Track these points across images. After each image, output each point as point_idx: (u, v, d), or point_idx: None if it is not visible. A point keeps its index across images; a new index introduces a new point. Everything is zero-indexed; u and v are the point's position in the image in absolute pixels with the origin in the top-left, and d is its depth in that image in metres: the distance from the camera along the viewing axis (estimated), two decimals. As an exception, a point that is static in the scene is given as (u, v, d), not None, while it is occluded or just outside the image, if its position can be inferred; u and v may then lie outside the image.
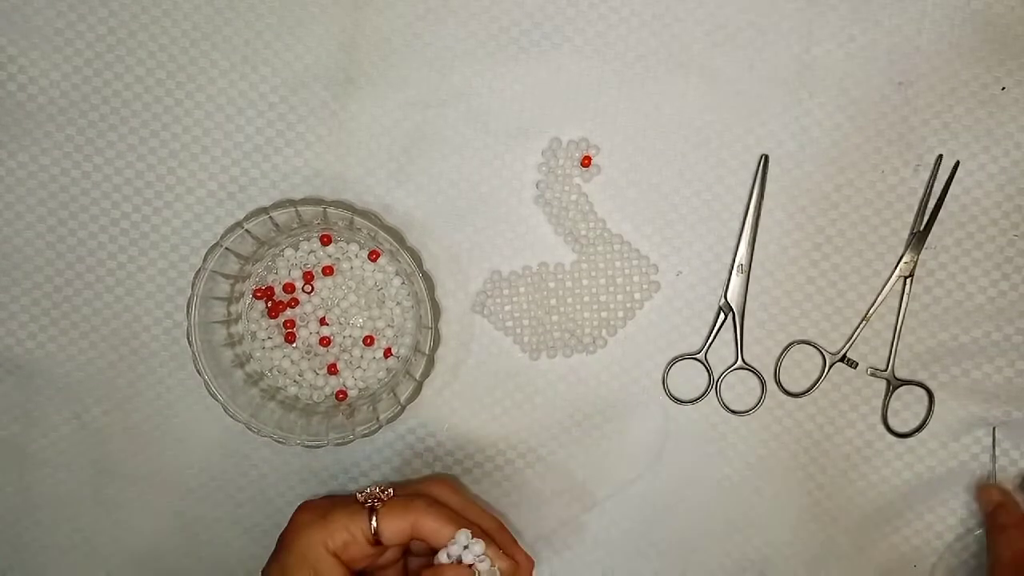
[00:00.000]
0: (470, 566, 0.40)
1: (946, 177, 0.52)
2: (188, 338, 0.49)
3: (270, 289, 0.52)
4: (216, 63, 0.52)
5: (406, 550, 0.45)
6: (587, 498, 0.53)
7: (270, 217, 0.49)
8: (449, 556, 0.40)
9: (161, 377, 0.53)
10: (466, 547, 0.40)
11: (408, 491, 0.44)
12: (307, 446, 0.49)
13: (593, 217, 0.52)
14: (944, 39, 0.51)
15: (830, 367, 0.52)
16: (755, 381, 0.53)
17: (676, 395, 0.53)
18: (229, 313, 0.51)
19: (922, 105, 0.52)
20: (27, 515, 0.54)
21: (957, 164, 0.51)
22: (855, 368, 0.52)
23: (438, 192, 0.53)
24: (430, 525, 0.41)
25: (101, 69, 0.52)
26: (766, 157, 0.52)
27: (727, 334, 0.52)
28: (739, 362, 0.52)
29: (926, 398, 0.52)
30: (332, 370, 0.52)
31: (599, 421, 0.53)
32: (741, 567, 0.53)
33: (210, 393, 0.49)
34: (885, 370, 0.52)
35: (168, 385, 0.53)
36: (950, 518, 0.52)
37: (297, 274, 0.52)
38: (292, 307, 0.52)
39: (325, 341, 0.52)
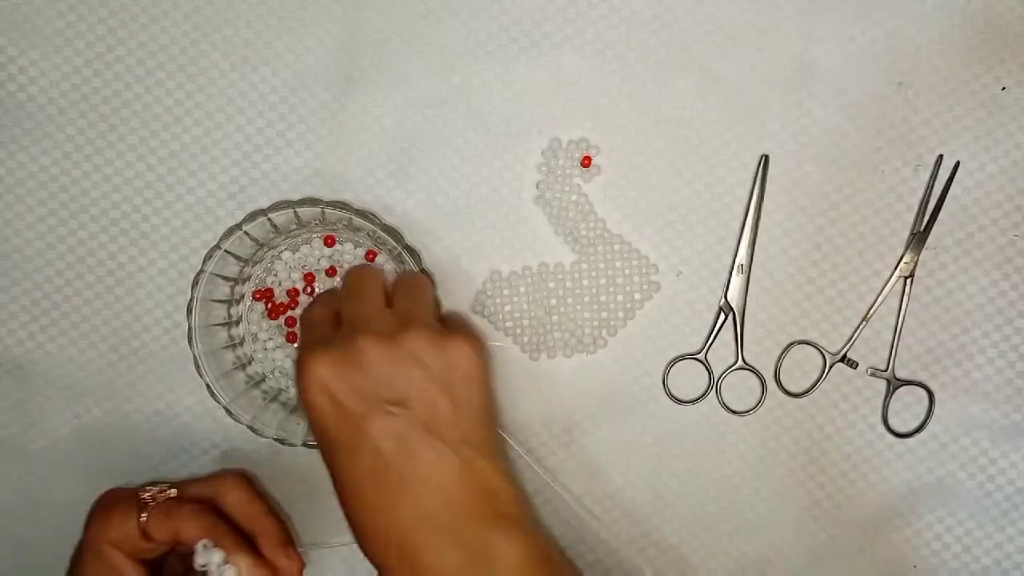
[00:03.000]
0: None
1: (946, 177, 0.52)
2: (189, 341, 0.49)
3: (269, 291, 0.52)
4: (216, 63, 0.52)
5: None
6: (586, 498, 0.53)
7: (268, 219, 0.49)
8: (197, 564, 0.43)
9: (161, 377, 0.53)
10: (206, 554, 0.43)
11: (191, 490, 0.46)
12: (309, 446, 0.49)
13: (593, 217, 0.52)
14: (944, 39, 0.51)
15: (830, 367, 0.52)
16: (755, 381, 0.53)
17: (676, 395, 0.53)
18: (229, 315, 0.51)
19: (922, 105, 0.52)
20: (27, 515, 0.54)
21: (957, 164, 0.51)
22: (855, 368, 0.52)
23: (438, 192, 0.53)
24: (189, 533, 0.44)
25: (101, 69, 0.52)
26: (766, 157, 0.52)
27: (727, 334, 0.52)
28: (739, 362, 0.52)
29: (926, 398, 0.52)
30: (332, 370, 0.52)
31: (599, 421, 0.53)
32: (741, 567, 0.53)
33: (212, 396, 0.49)
34: (885, 370, 0.52)
35: (168, 385, 0.53)
36: (950, 518, 0.53)
37: (297, 275, 0.52)
38: (292, 308, 0.52)
39: (325, 341, 0.52)
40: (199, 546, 0.43)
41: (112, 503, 0.45)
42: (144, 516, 0.44)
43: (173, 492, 0.45)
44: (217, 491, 0.47)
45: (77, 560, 0.44)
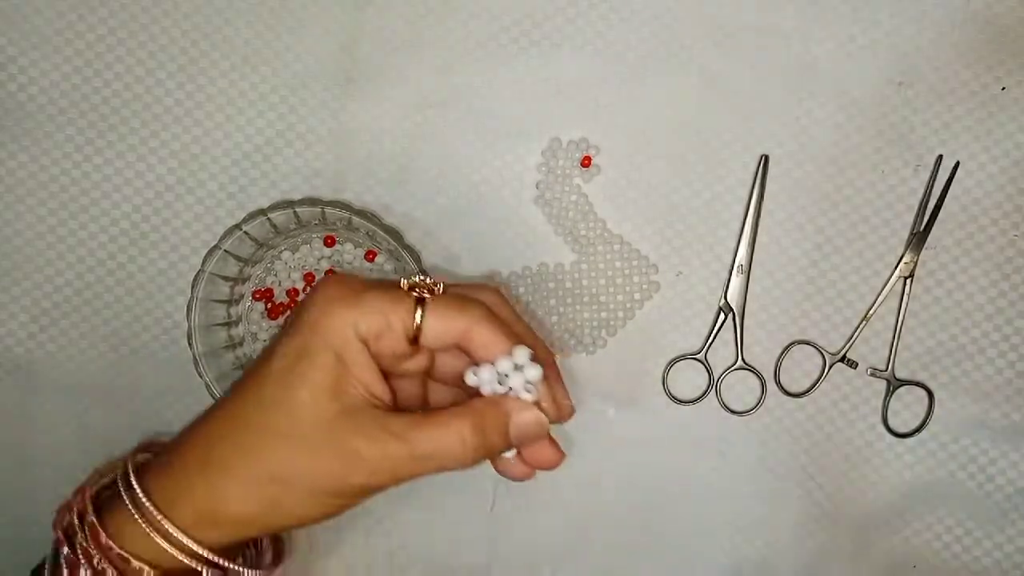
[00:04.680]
0: (508, 390, 0.33)
1: (946, 177, 0.52)
2: (189, 341, 0.49)
3: (269, 291, 0.52)
4: (216, 63, 0.52)
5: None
6: (587, 498, 0.53)
7: (268, 219, 0.49)
8: (482, 376, 0.33)
9: (161, 377, 0.53)
10: (517, 368, 0.33)
11: (456, 292, 0.36)
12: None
13: (593, 217, 0.52)
14: (944, 39, 0.51)
15: (830, 367, 0.52)
16: (755, 381, 0.53)
17: (676, 395, 0.53)
18: (229, 315, 0.51)
19: (922, 105, 0.52)
20: (27, 515, 0.54)
21: (957, 164, 0.51)
22: (855, 368, 0.52)
23: (438, 192, 0.53)
24: (484, 335, 0.33)
25: (101, 69, 0.52)
26: (766, 157, 0.52)
27: (727, 334, 0.52)
28: (739, 362, 0.52)
29: (926, 398, 0.52)
30: (332, 370, 0.52)
31: (599, 421, 0.53)
32: (741, 567, 0.53)
33: (212, 396, 0.49)
34: (885, 370, 0.52)
35: (168, 385, 0.53)
36: (950, 518, 0.53)
37: (297, 275, 0.52)
38: (292, 308, 0.52)
39: (325, 341, 0.52)
40: (519, 352, 0.33)
41: (362, 289, 0.34)
42: (420, 312, 0.33)
43: (442, 287, 0.35)
44: (482, 299, 0.36)
45: (286, 345, 0.33)
